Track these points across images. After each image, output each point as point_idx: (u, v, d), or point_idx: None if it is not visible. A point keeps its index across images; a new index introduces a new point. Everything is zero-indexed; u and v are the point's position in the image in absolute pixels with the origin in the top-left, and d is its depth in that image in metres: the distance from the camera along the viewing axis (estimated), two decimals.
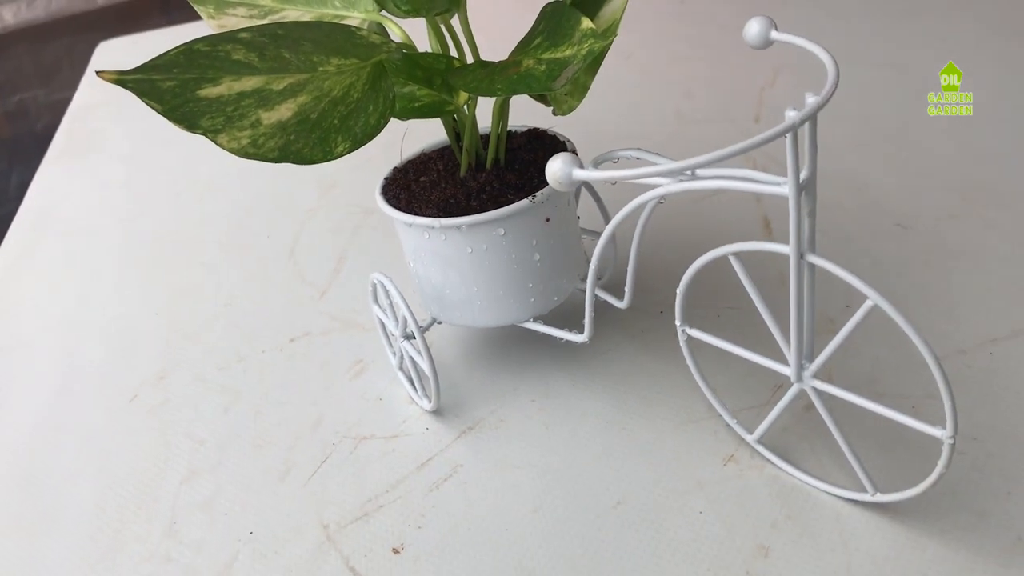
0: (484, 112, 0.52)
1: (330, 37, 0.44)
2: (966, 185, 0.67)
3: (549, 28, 0.46)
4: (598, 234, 0.58)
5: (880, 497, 0.43)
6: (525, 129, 0.56)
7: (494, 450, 0.52)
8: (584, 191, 0.59)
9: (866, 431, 0.48)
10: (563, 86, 0.44)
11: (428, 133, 0.59)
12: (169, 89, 0.41)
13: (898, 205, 0.66)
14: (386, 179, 0.55)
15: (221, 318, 0.66)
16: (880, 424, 0.48)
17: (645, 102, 0.84)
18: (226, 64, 0.42)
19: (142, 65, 0.41)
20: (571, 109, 0.51)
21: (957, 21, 0.90)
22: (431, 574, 0.45)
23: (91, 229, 0.81)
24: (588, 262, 0.56)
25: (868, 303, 0.38)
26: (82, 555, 0.49)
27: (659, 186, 0.41)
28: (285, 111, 0.44)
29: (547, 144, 0.54)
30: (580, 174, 0.36)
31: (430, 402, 0.54)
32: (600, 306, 0.57)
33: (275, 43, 0.43)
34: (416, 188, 0.53)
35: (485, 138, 0.56)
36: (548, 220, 0.51)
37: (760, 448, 0.48)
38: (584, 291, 0.53)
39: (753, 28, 0.41)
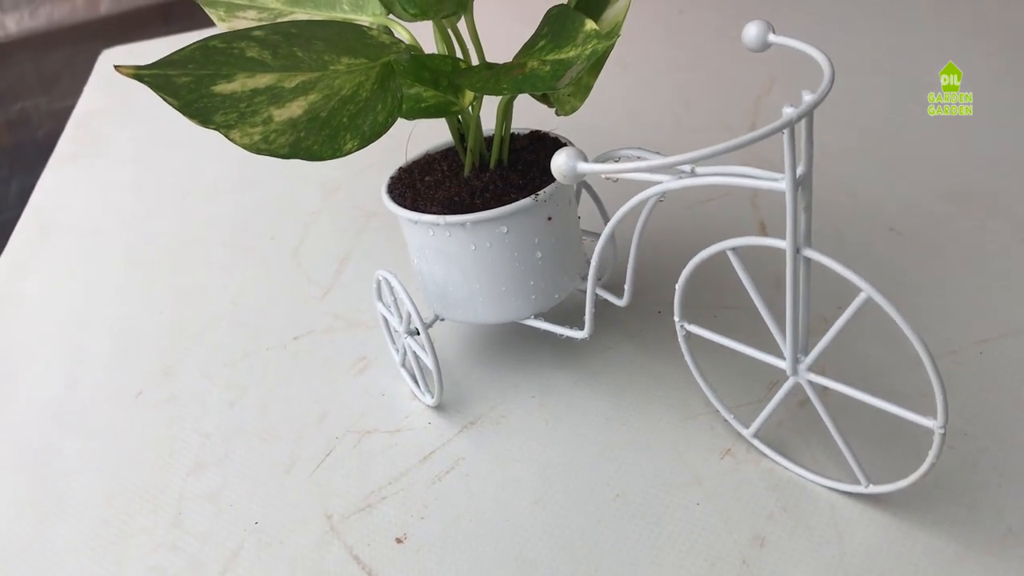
0: (488, 114, 0.53)
1: (341, 36, 0.46)
2: (957, 190, 0.68)
3: (553, 31, 0.47)
4: (598, 235, 0.59)
5: (873, 489, 0.44)
6: (528, 131, 0.57)
7: (495, 444, 0.53)
8: (584, 192, 0.60)
9: (859, 425, 0.49)
10: (567, 86, 0.46)
11: (432, 135, 0.61)
12: (184, 84, 0.43)
13: (891, 209, 0.67)
14: (392, 178, 0.56)
15: (226, 317, 0.67)
16: (873, 418, 0.49)
17: (644, 110, 0.85)
18: (240, 61, 0.43)
19: (159, 60, 0.42)
20: (573, 109, 0.52)
21: (951, 26, 0.92)
22: (434, 563, 0.46)
23: (96, 230, 0.82)
24: (588, 262, 0.57)
25: (862, 295, 0.39)
26: (91, 544, 0.50)
27: (659, 183, 0.42)
28: (296, 108, 0.46)
29: (549, 146, 0.56)
30: (584, 167, 0.37)
31: (432, 397, 0.55)
32: (600, 305, 0.58)
33: (288, 41, 0.44)
34: (421, 187, 0.54)
35: (488, 140, 0.57)
36: (550, 218, 0.52)
37: (756, 442, 0.49)
38: (584, 290, 0.54)
39: (751, 31, 0.42)
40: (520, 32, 0.56)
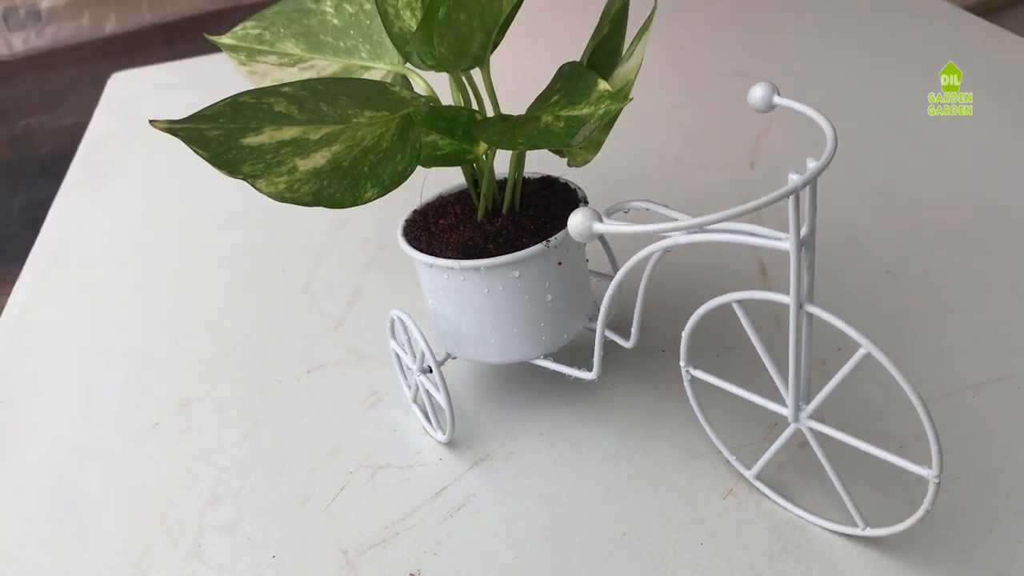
0: (500, 159, 0.55)
1: (365, 91, 0.48)
2: (951, 234, 0.70)
3: (567, 87, 0.49)
4: (604, 275, 0.61)
5: (870, 531, 0.46)
6: (538, 176, 0.59)
7: (505, 481, 0.54)
8: None
9: (857, 469, 0.51)
10: (580, 143, 0.48)
11: (445, 177, 0.62)
12: (215, 138, 0.45)
13: (888, 253, 0.69)
14: (407, 221, 0.58)
15: (240, 348, 0.69)
16: (870, 462, 0.50)
17: (646, 147, 0.87)
18: (268, 115, 0.45)
19: (191, 115, 0.44)
20: (585, 162, 0.54)
21: (941, 64, 0.94)
22: None
23: (109, 259, 0.84)
24: (595, 303, 0.59)
25: (861, 351, 0.41)
26: (112, 573, 0.52)
27: (667, 237, 0.44)
28: (320, 158, 0.48)
29: (559, 191, 0.58)
30: (600, 228, 0.39)
31: (444, 434, 0.56)
32: (606, 345, 0.60)
33: (315, 97, 0.46)
34: (436, 230, 0.56)
35: (500, 183, 0.59)
36: (560, 263, 0.54)
37: (758, 484, 0.51)
38: (591, 330, 0.56)
39: (757, 93, 0.44)
40: (531, 80, 0.58)
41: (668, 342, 0.62)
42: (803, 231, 0.40)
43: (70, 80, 1.79)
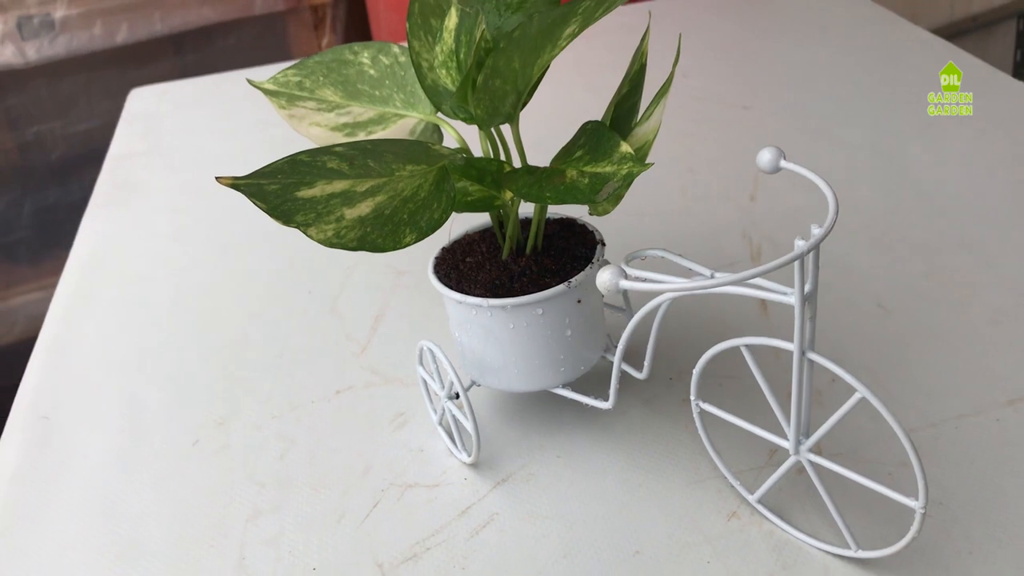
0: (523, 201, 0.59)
1: (408, 149, 0.52)
2: (938, 271, 0.75)
3: (590, 144, 0.54)
4: (618, 308, 0.66)
5: (861, 553, 0.51)
6: (558, 217, 0.64)
7: (525, 501, 0.59)
8: None
9: (851, 495, 0.55)
10: (604, 199, 0.52)
11: (469, 216, 0.67)
12: (273, 191, 0.49)
13: (879, 287, 0.74)
14: (436, 258, 0.62)
15: (273, 368, 0.73)
16: (863, 490, 0.55)
17: (653, 177, 0.92)
18: (322, 171, 0.50)
19: (253, 172, 0.48)
20: (606, 212, 0.59)
21: (932, 89, 0.99)
22: None
23: (140, 279, 0.88)
24: (607, 336, 0.63)
25: (857, 395, 0.46)
26: None
27: (679, 285, 0.49)
28: (365, 208, 0.52)
29: (577, 232, 0.62)
30: (625, 284, 0.44)
31: (469, 456, 0.61)
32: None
33: (363, 155, 0.51)
34: (464, 268, 0.61)
35: (522, 222, 0.63)
36: (579, 301, 0.58)
37: (759, 507, 0.55)
38: (607, 360, 0.61)
39: (765, 157, 0.49)
40: (550, 132, 0.62)
41: (675, 372, 0.67)
42: (807, 287, 0.45)
43: (82, 88, 1.83)
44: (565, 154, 0.55)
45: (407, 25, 0.59)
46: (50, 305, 0.86)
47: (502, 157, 0.59)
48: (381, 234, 0.53)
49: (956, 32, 2.13)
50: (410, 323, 0.77)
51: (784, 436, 0.51)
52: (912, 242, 0.79)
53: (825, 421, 0.49)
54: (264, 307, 0.81)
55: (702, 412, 0.55)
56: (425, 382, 0.65)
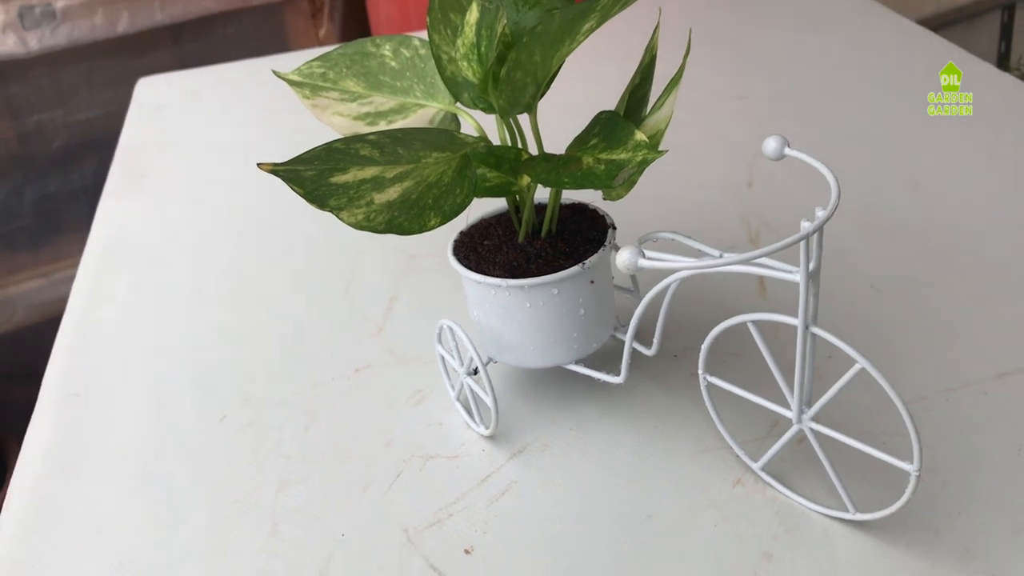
0: (538, 186, 0.63)
1: (436, 137, 0.55)
2: (929, 253, 0.79)
3: (604, 132, 0.57)
4: (627, 290, 0.69)
5: (859, 516, 0.55)
6: (571, 203, 0.67)
7: (541, 470, 0.62)
8: None
9: (849, 461, 0.59)
10: (619, 184, 0.55)
11: (486, 201, 0.70)
12: (309, 177, 0.52)
13: (872, 269, 0.78)
14: (455, 241, 0.65)
15: (292, 349, 0.76)
16: (861, 456, 0.59)
17: (654, 165, 0.95)
18: (355, 158, 0.53)
19: (291, 159, 0.51)
20: (619, 197, 0.62)
21: (928, 85, 1.03)
22: (501, 571, 0.56)
23: (158, 263, 0.91)
24: (616, 316, 0.67)
25: (857, 366, 0.49)
26: (204, 548, 0.59)
27: (689, 265, 0.52)
28: (393, 192, 0.55)
29: (589, 216, 0.66)
30: (643, 263, 0.47)
31: (487, 428, 0.64)
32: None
33: (394, 142, 0.54)
34: (482, 250, 0.64)
35: (537, 207, 0.67)
36: (592, 282, 0.62)
37: (763, 474, 0.59)
38: (616, 338, 0.64)
39: (770, 145, 0.52)
40: (564, 117, 0.65)
41: (679, 349, 0.71)
42: (811, 266, 0.48)
43: (83, 77, 1.85)
44: (580, 142, 0.58)
45: (427, 19, 0.61)
46: (72, 288, 0.88)
47: (519, 145, 0.62)
48: (407, 218, 0.56)
49: (942, 23, 2.18)
50: (424, 304, 0.80)
51: (787, 407, 0.55)
52: (903, 226, 0.83)
53: (824, 394, 0.52)
54: (280, 291, 0.84)
55: (709, 385, 0.59)
56: (443, 359, 0.68)
